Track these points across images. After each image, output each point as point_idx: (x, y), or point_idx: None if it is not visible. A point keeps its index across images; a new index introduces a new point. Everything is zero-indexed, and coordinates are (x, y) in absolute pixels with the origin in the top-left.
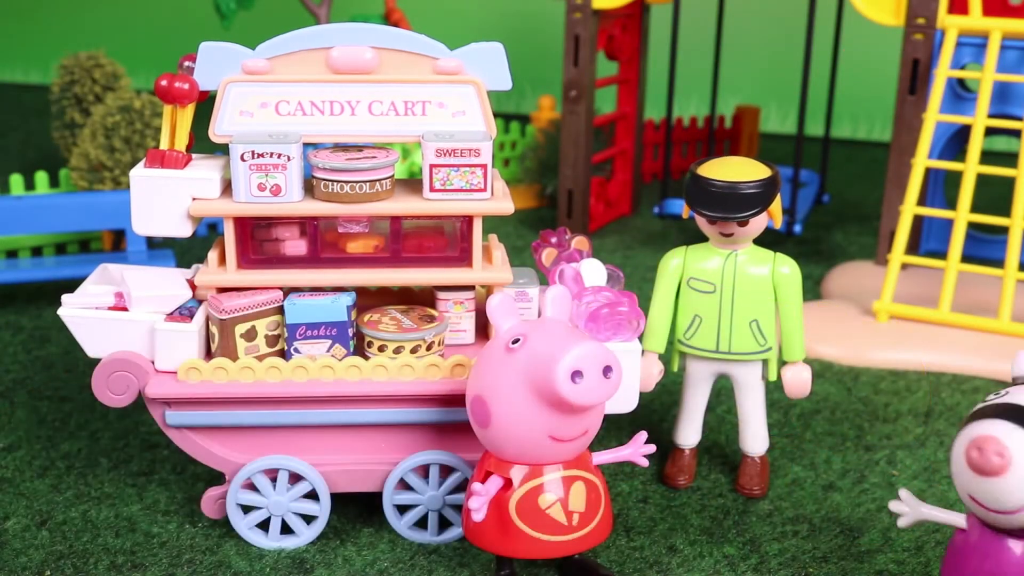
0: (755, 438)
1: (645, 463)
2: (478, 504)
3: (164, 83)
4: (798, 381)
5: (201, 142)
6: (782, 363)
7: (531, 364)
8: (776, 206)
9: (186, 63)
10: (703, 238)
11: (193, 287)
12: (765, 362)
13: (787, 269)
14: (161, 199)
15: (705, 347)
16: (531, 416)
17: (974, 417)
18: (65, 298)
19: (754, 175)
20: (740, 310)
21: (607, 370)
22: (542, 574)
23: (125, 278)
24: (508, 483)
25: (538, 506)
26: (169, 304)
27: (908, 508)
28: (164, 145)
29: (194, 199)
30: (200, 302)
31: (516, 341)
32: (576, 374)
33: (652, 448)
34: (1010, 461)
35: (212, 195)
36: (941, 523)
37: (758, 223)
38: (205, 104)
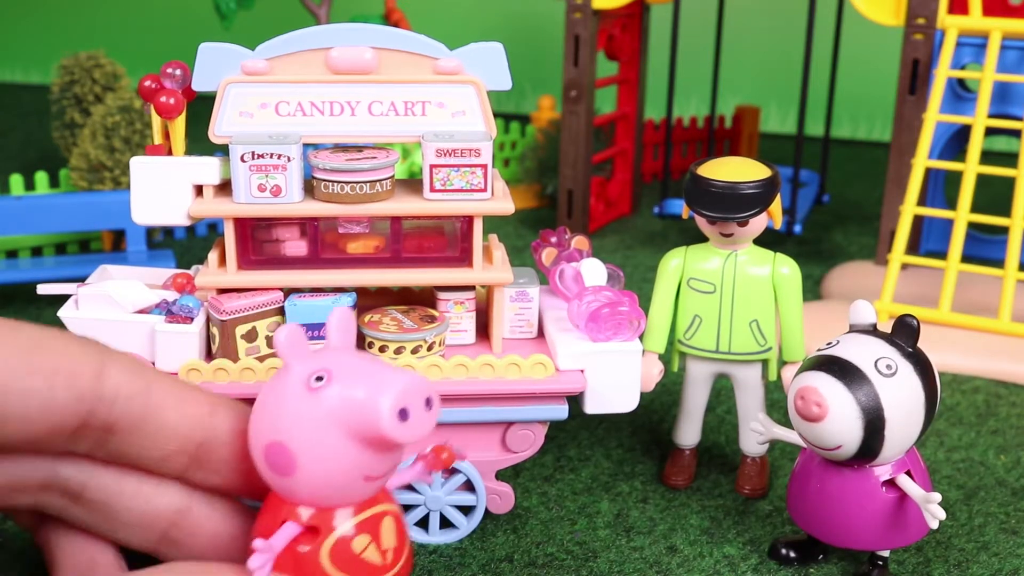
0: (755, 439)
1: (430, 479)
2: (261, 562)
3: (150, 91)
4: None
5: (201, 142)
6: (782, 363)
7: (347, 405)
8: (776, 206)
9: (168, 69)
10: (703, 238)
11: (180, 288)
12: (765, 362)
13: (787, 269)
14: (161, 185)
15: (705, 347)
16: (345, 459)
17: (803, 367)
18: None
19: (754, 175)
20: (740, 310)
21: (428, 401)
22: None
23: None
24: (313, 531)
25: (352, 551)
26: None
27: (764, 429)
28: (157, 141)
29: (194, 185)
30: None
31: (319, 379)
32: (403, 412)
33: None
34: (827, 410)
35: (212, 180)
36: (789, 442)
37: (758, 223)
38: (205, 104)
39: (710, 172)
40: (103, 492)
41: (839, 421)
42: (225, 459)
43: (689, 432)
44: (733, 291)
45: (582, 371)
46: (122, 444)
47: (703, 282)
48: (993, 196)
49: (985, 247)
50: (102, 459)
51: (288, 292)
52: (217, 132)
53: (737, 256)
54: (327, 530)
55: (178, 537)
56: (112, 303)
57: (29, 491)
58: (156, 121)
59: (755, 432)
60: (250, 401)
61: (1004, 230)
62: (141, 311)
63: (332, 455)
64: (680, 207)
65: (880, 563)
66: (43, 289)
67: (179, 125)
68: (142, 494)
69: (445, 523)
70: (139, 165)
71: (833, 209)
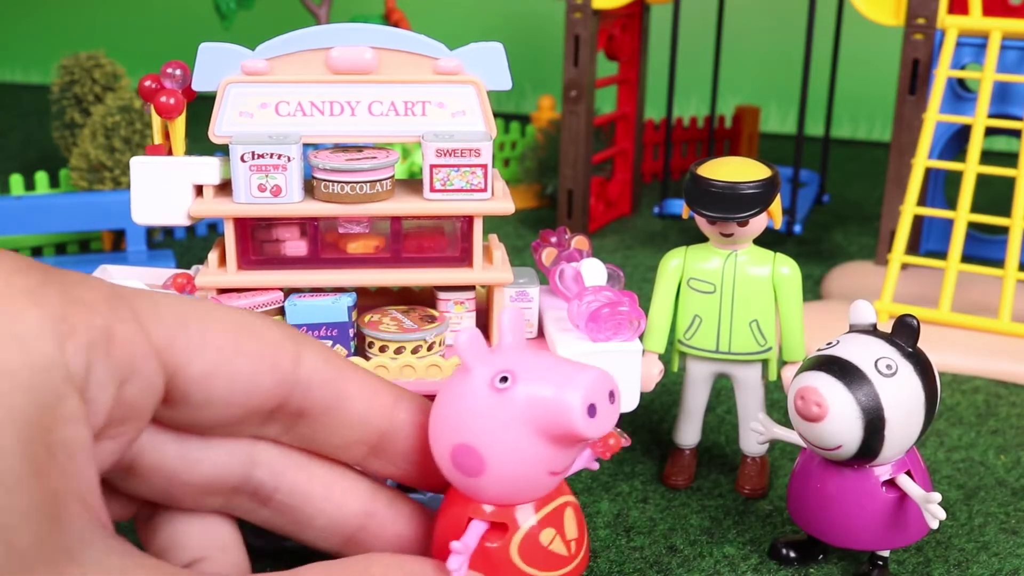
0: (755, 439)
1: (596, 466)
2: (459, 563)
3: (150, 91)
4: None
5: (201, 142)
6: (782, 363)
7: (534, 403)
8: (776, 206)
9: (168, 69)
10: (703, 238)
11: (180, 288)
12: (765, 362)
13: (787, 269)
14: (161, 185)
15: (705, 347)
16: (534, 456)
17: (803, 367)
18: None
19: (754, 175)
20: (740, 310)
21: (611, 395)
22: None
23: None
24: (500, 529)
25: (540, 545)
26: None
27: (764, 429)
28: (157, 141)
29: (194, 185)
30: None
31: (504, 379)
32: (591, 408)
33: (624, 441)
34: (827, 410)
35: (212, 180)
36: (788, 442)
37: (758, 223)
38: (205, 104)
39: (710, 172)
40: (293, 496)
41: (839, 421)
42: (403, 451)
43: (689, 432)
44: (733, 291)
45: None
46: (308, 429)
47: (703, 282)
48: (993, 196)
49: (985, 247)
50: (287, 443)
51: (288, 292)
52: (217, 132)
53: (737, 256)
54: (514, 526)
55: (364, 539)
56: None
57: (222, 494)
58: (156, 121)
59: (755, 432)
60: None
61: (1004, 230)
62: None
63: (521, 454)
64: (680, 207)
65: (880, 563)
66: None
67: (179, 125)
68: (332, 499)
69: None
70: (139, 165)
71: (833, 209)
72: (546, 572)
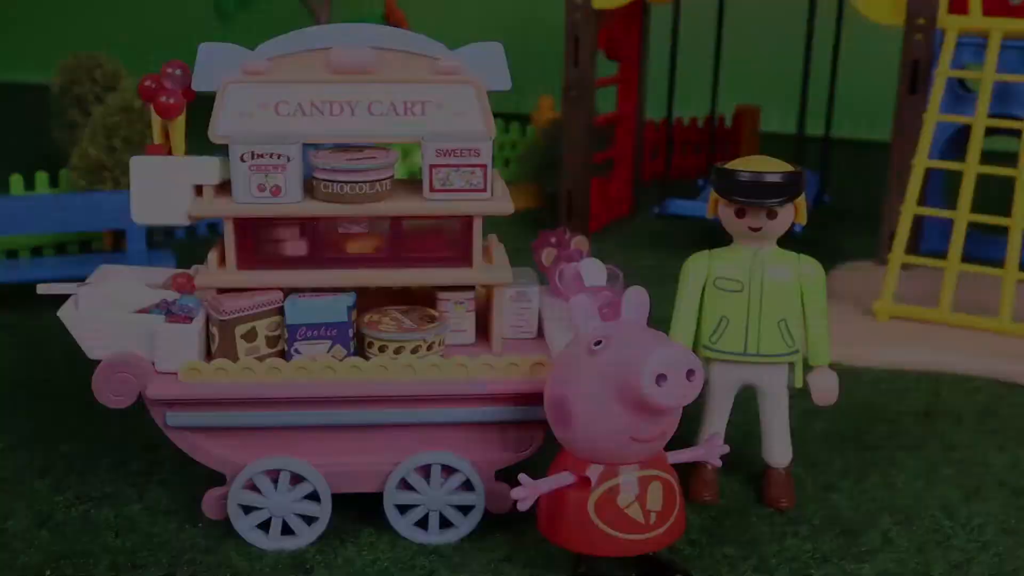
0: (781, 449)
1: (719, 463)
2: (522, 495)
3: (150, 91)
4: (825, 388)
5: (201, 142)
6: (807, 369)
7: (615, 366)
8: (801, 202)
9: (168, 69)
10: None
11: (180, 288)
12: (791, 366)
13: (812, 271)
14: (161, 184)
15: (732, 350)
16: (613, 417)
17: None
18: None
19: (781, 168)
20: (768, 309)
21: (690, 373)
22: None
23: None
24: (587, 482)
25: (617, 505)
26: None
27: None
28: (157, 141)
29: (194, 186)
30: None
31: (599, 343)
32: (661, 377)
33: (726, 448)
34: None
35: (212, 180)
36: None
37: (785, 217)
38: (204, 104)
39: (737, 166)
40: None
41: None
42: None
43: None
44: (761, 289)
45: None
46: None
47: (731, 280)
48: (993, 196)
49: (985, 247)
50: None
51: (288, 292)
52: (217, 132)
53: (763, 254)
54: (597, 482)
55: None
56: (112, 303)
57: None
58: (156, 121)
59: None
60: (247, 403)
61: (1004, 230)
62: (141, 311)
63: (601, 412)
64: (680, 207)
65: None
66: (43, 289)
67: (179, 125)
68: None
69: (445, 523)
70: (139, 165)
71: (833, 209)
72: (618, 532)
